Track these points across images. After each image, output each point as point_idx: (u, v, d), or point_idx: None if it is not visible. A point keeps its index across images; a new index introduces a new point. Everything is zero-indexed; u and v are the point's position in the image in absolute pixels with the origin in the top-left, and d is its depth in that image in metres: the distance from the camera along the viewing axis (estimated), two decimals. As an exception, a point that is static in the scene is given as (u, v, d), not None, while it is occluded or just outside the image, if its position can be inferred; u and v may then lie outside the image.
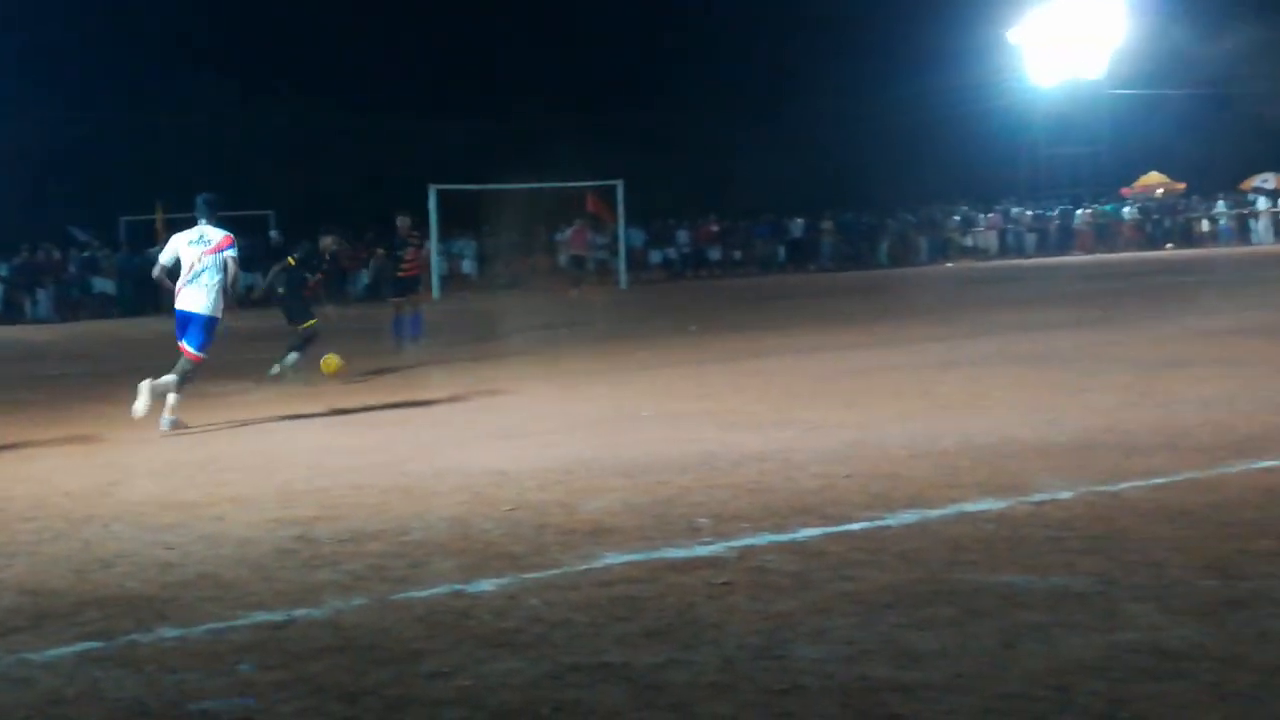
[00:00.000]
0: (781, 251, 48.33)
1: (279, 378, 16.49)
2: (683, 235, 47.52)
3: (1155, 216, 54.18)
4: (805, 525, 7.34)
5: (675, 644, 5.43)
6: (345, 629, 5.88)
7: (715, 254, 47.49)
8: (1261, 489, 7.74)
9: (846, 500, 7.93)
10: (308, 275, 17.54)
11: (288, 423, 13.07)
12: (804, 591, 6.08)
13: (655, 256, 46.80)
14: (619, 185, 41.17)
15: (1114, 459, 8.86)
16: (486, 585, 6.46)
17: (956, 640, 5.31)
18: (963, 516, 7.40)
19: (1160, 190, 57.70)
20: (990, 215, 52.44)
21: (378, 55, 56.64)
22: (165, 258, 13.11)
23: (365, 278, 36.87)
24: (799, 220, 49.23)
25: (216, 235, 12.93)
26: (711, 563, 6.66)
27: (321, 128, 52.89)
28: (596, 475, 9.17)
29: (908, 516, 7.45)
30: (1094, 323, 19.79)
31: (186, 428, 12.65)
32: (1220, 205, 53.87)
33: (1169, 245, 51.65)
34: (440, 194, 38.74)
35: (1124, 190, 57.58)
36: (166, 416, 12.62)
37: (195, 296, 12.83)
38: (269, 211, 44.31)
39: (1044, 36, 57.21)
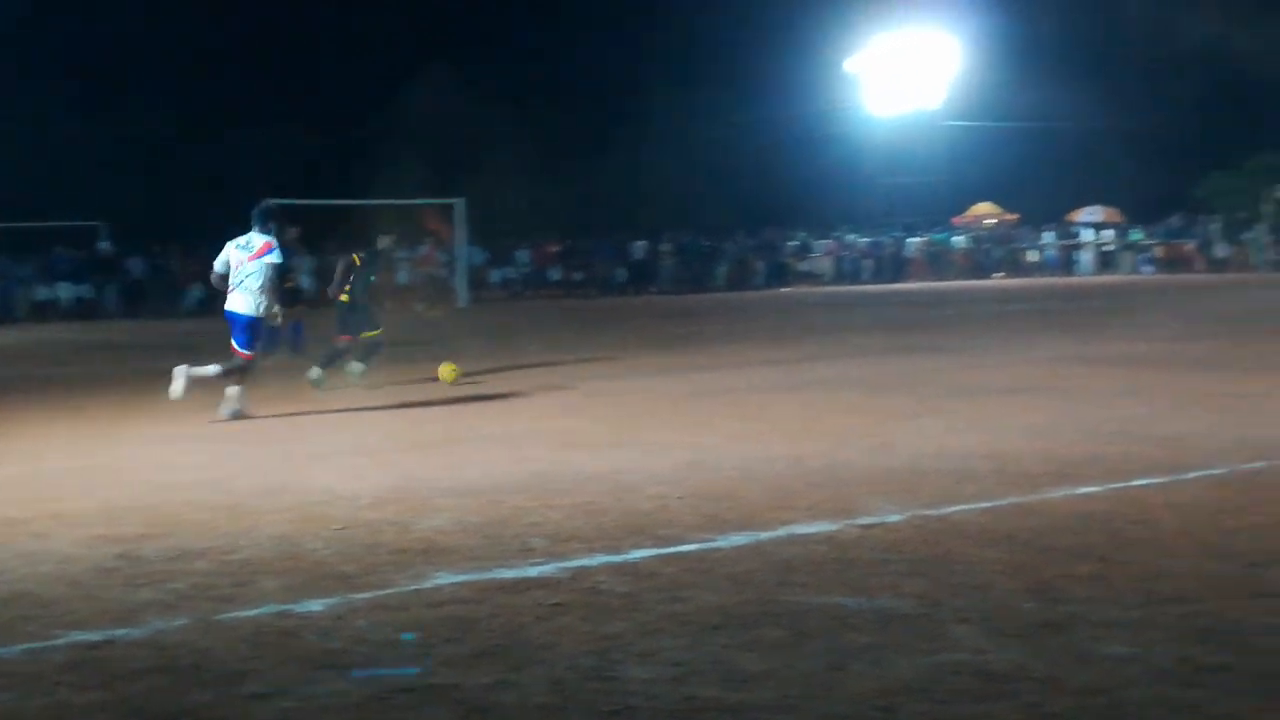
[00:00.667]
0: (622, 273, 48.49)
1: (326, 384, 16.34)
2: (523, 255, 47.51)
3: (985, 246, 55.38)
4: (638, 546, 7.35)
5: (505, 665, 5.40)
6: (167, 649, 5.75)
7: (556, 274, 47.53)
8: (1081, 514, 7.92)
9: (679, 522, 7.96)
10: (372, 278, 17.25)
11: (125, 438, 12.76)
12: (635, 612, 6.09)
13: (495, 276, 46.72)
14: (459, 203, 41.02)
15: (942, 483, 9.01)
16: (314, 605, 6.36)
17: (784, 661, 5.35)
18: (793, 539, 7.47)
19: (991, 220, 59.09)
20: (827, 242, 53.18)
21: (217, 65, 55.84)
22: (218, 263, 14.01)
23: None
24: (640, 242, 49.44)
25: (259, 242, 13.92)
26: (543, 583, 6.64)
27: (159, 137, 51.96)
28: (431, 494, 9.09)
29: (739, 538, 7.50)
30: (926, 349, 20.14)
31: (249, 417, 13.60)
32: (1048, 236, 55.26)
33: (998, 274, 52.83)
34: (280, 208, 38.10)
35: (956, 219, 58.84)
36: (227, 406, 13.65)
37: (238, 299, 13.87)
38: (98, 223, 43.41)
39: (881, 67, 58.32)
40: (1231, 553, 6.87)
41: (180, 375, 13.69)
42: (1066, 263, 53.97)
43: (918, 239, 54.03)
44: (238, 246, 13.97)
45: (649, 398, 14.83)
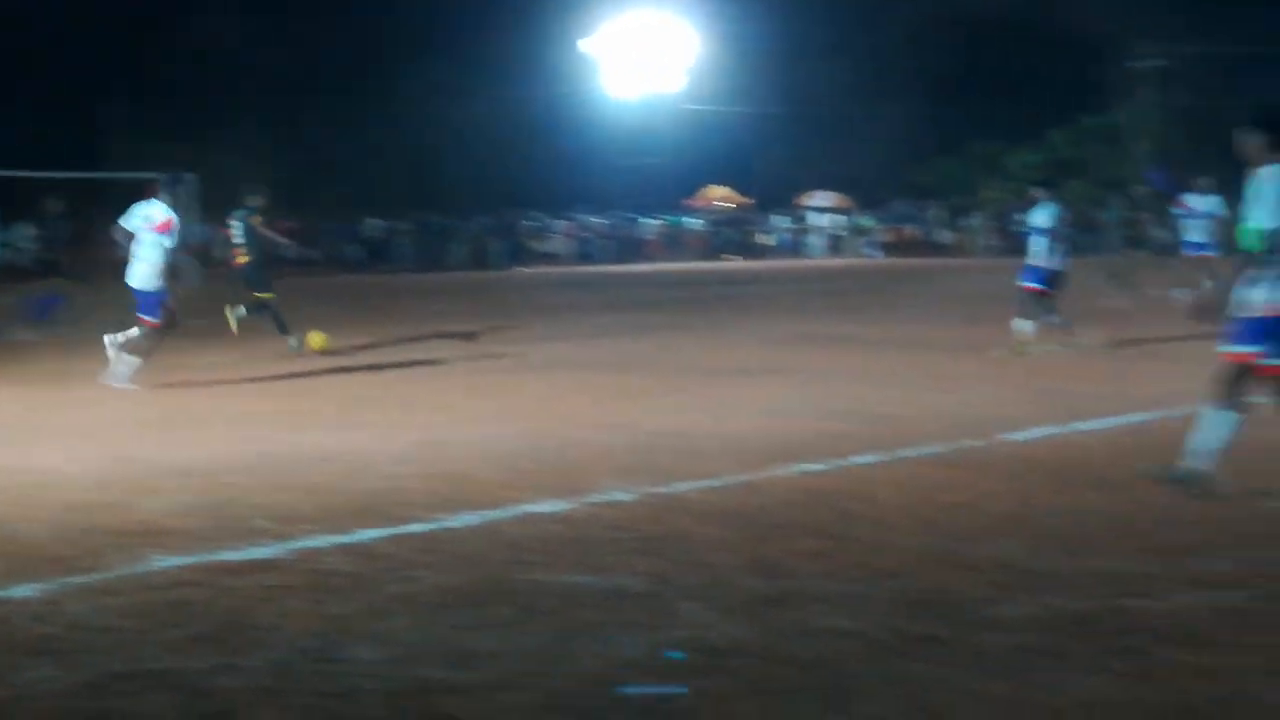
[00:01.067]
0: (359, 251, 47.85)
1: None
2: (257, 232, 46.48)
3: (719, 228, 56.31)
4: (367, 526, 7.26)
5: (227, 649, 5.28)
6: None
7: (290, 253, 46.56)
8: (806, 491, 8.11)
9: (410, 502, 7.89)
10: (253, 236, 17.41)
11: None
12: (362, 593, 6.02)
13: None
14: (189, 178, 39.90)
15: (673, 462, 9.12)
16: (26, 590, 6.12)
17: (513, 640, 5.35)
18: (526, 518, 7.48)
19: (726, 203, 60.10)
20: (565, 222, 53.36)
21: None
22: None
23: None
24: (378, 221, 48.86)
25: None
26: (268, 565, 6.52)
27: None
28: (155, 475, 8.84)
29: (470, 518, 7.47)
30: (661, 330, 20.36)
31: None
32: (779, 220, 56.47)
33: (732, 257, 53.76)
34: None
35: (691, 202, 59.67)
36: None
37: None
38: None
39: (618, 50, 58.72)
40: (947, 527, 7.12)
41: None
42: (797, 246, 55.25)
43: (653, 220, 54.62)
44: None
45: (383, 377, 14.68)
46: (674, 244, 53.86)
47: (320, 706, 4.70)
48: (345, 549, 6.82)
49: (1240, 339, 7.58)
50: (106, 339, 14.09)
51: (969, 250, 51.58)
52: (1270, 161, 7.69)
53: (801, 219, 57.07)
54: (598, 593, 6.00)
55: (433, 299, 30.66)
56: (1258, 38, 52.88)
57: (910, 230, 54.77)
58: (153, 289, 14.03)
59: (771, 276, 37.84)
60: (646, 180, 60.67)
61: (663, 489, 8.21)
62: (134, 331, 14.04)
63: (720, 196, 61.07)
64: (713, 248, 54.53)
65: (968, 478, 8.39)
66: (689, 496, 8.02)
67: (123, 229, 14.13)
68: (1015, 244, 50.69)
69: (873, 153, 58.85)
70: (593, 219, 54.00)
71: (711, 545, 6.82)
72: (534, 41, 58.01)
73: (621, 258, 51.36)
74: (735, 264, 50.02)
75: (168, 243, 14.01)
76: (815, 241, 55.40)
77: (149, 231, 14.02)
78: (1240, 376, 7.63)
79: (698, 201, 60.41)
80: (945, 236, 53.57)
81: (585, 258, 51.50)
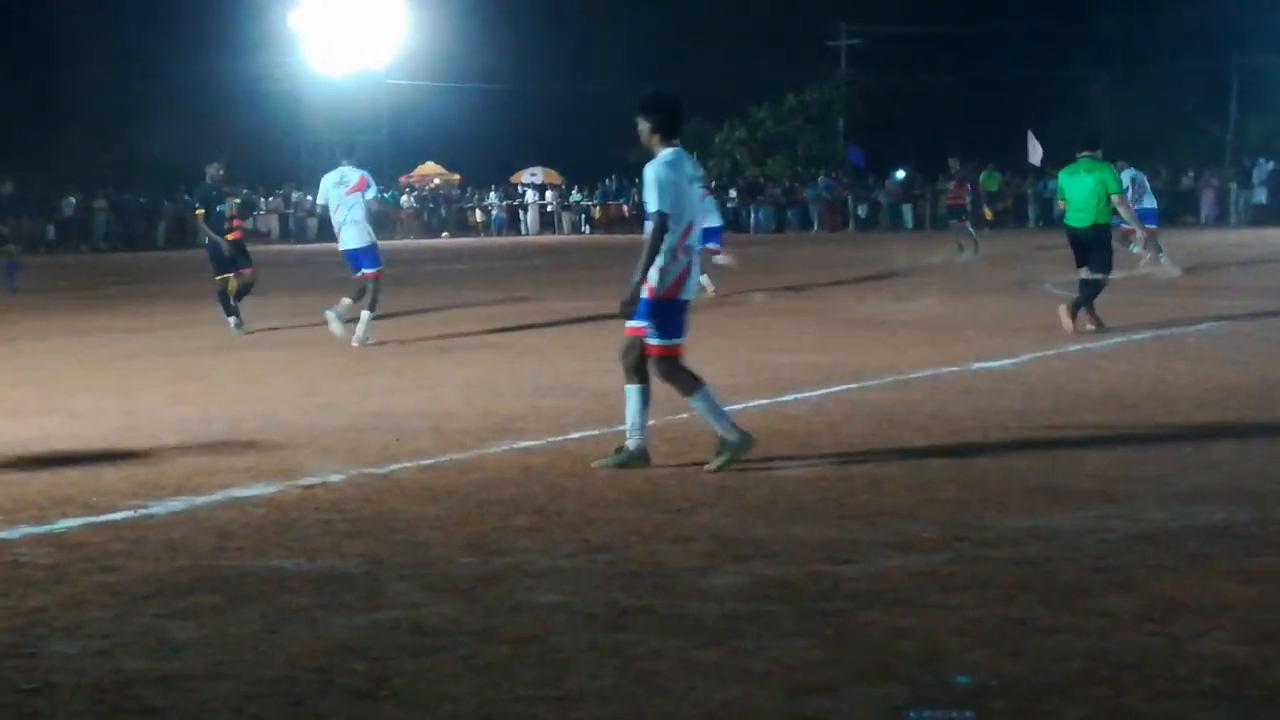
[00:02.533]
0: (50, 230, 46.00)
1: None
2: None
3: (432, 205, 55.94)
4: (65, 516, 7.00)
5: (-88, 648, 5.03)
6: None
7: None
8: (520, 467, 8.12)
9: (111, 489, 7.63)
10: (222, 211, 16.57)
11: None
12: (60, 585, 5.80)
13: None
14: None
15: (384, 442, 9.03)
16: None
17: (219, 628, 5.22)
18: (232, 502, 7.31)
19: (436, 180, 59.74)
20: (272, 199, 52.27)
21: None
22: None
23: None
24: (70, 198, 47.05)
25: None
26: (-42, 559, 6.22)
27: None
28: None
29: (175, 504, 7.27)
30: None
31: None
32: (493, 197, 56.40)
33: (445, 234, 53.49)
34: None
35: (402, 179, 59.12)
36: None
37: None
38: None
39: (325, 24, 57.64)
40: (658, 499, 7.21)
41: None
42: (512, 222, 55.28)
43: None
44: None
45: (78, 361, 14.17)
46: (385, 221, 53.23)
47: (15, 704, 4.50)
48: (41, 539, 6.56)
49: (638, 315, 7.95)
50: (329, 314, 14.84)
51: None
52: (661, 147, 8.04)
53: (515, 195, 57.10)
54: (308, 577, 5.90)
55: (128, 279, 29.68)
56: (946, 18, 55.11)
57: (620, 206, 55.28)
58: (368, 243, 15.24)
59: (485, 253, 37.73)
60: (359, 157, 59.74)
61: (374, 470, 8.12)
62: (359, 294, 14.99)
63: (432, 173, 60.66)
64: (426, 225, 54.16)
65: (678, 450, 8.50)
66: (402, 476, 7.95)
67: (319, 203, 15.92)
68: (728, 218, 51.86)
69: (584, 130, 59.22)
70: (302, 195, 53.00)
71: (425, 525, 6.77)
72: (238, 14, 56.58)
73: (330, 236, 50.45)
74: (449, 240, 49.79)
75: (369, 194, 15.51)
76: (530, 218, 55.50)
77: (349, 194, 15.25)
78: (636, 349, 8.03)
79: (413, 178, 59.88)
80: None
81: (293, 235, 50.53)
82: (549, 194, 57.45)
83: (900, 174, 52.61)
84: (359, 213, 15.26)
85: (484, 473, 8.01)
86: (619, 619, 5.26)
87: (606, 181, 56.94)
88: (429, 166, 60.92)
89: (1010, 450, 8.32)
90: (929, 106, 58.44)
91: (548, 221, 55.78)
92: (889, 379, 11.40)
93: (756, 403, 10.31)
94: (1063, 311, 14.25)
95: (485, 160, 59.28)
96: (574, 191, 57.14)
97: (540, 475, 7.88)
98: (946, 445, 8.48)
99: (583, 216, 55.85)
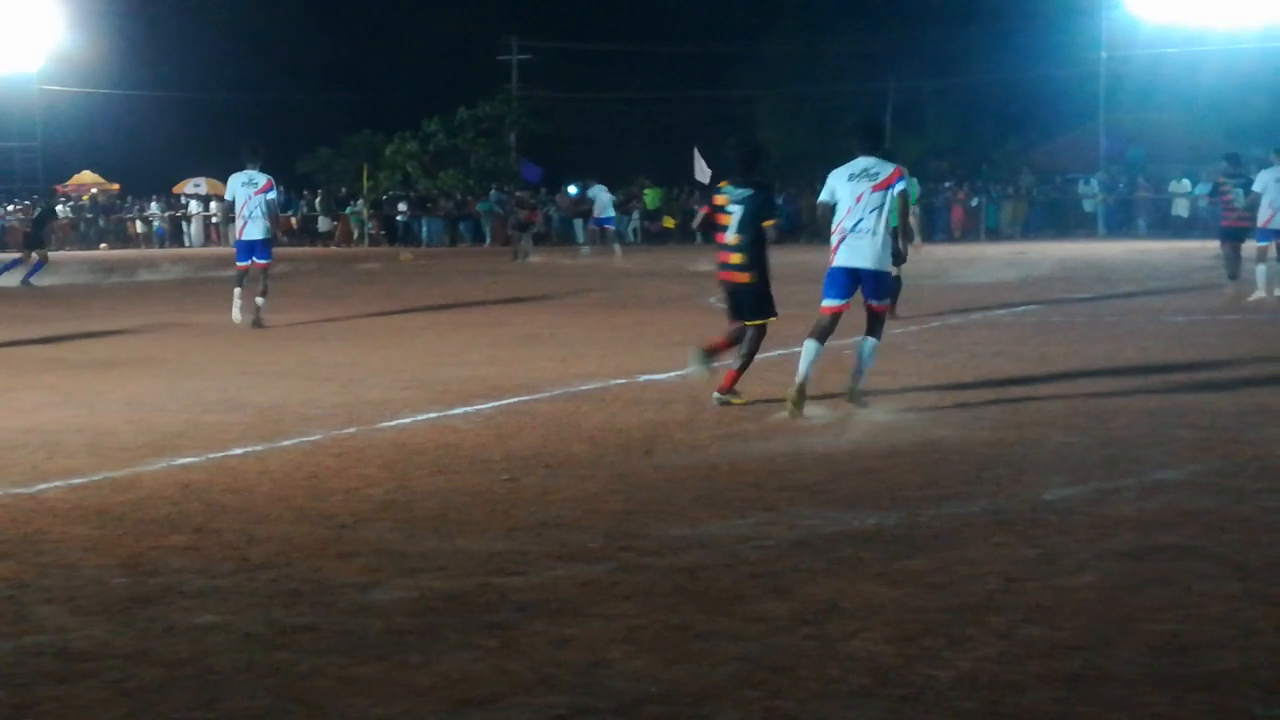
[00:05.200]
0: None
1: None
2: None
3: (89, 216, 53.94)
4: None
5: None
6: None
7: None
8: (179, 485, 7.87)
9: None
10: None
11: None
12: None
13: None
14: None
15: (34, 460, 8.65)
16: None
17: None
18: None
19: (94, 190, 57.58)
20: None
21: None
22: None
23: None
24: None
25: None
26: None
27: None
28: None
29: None
30: (15, 320, 19.28)
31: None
32: (154, 207, 54.67)
33: (104, 245, 51.62)
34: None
35: (58, 188, 56.78)
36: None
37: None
38: None
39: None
40: (322, 515, 7.08)
41: None
42: (175, 234, 53.69)
43: (14, 206, 51.55)
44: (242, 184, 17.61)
45: None
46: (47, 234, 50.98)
47: None
48: None
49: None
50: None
51: (351, 238, 51.72)
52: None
53: (181, 205, 55.45)
54: (-58, 603, 5.59)
55: None
56: (614, 36, 56.02)
57: (289, 218, 54.25)
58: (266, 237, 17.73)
59: (145, 265, 36.51)
60: (11, 164, 57.10)
61: (22, 489, 7.76)
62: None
63: (89, 182, 58.42)
64: (83, 236, 52.14)
65: (344, 465, 8.38)
66: (51, 496, 7.61)
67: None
68: (393, 231, 51.47)
69: (250, 140, 57.88)
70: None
71: (75, 545, 6.50)
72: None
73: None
74: (107, 252, 48.08)
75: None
76: (194, 229, 53.98)
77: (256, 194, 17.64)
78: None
79: (68, 188, 57.52)
80: (325, 224, 53.51)
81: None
82: (214, 205, 55.94)
83: (573, 189, 53.16)
84: (262, 210, 17.61)
85: (139, 490, 7.74)
86: (278, 638, 5.15)
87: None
88: (86, 175, 58.66)
89: (675, 460, 8.47)
90: (601, 123, 59.29)
91: (212, 233, 54.30)
92: (559, 391, 11.48)
93: (426, 416, 10.25)
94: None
95: (146, 170, 57.37)
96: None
97: (199, 493, 7.65)
98: (613, 456, 8.59)
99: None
